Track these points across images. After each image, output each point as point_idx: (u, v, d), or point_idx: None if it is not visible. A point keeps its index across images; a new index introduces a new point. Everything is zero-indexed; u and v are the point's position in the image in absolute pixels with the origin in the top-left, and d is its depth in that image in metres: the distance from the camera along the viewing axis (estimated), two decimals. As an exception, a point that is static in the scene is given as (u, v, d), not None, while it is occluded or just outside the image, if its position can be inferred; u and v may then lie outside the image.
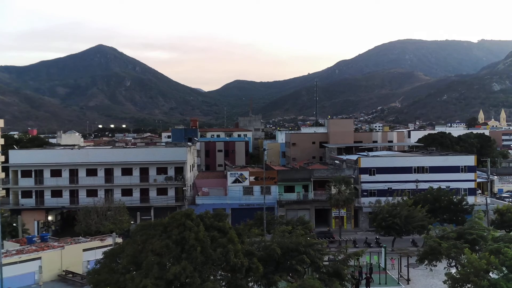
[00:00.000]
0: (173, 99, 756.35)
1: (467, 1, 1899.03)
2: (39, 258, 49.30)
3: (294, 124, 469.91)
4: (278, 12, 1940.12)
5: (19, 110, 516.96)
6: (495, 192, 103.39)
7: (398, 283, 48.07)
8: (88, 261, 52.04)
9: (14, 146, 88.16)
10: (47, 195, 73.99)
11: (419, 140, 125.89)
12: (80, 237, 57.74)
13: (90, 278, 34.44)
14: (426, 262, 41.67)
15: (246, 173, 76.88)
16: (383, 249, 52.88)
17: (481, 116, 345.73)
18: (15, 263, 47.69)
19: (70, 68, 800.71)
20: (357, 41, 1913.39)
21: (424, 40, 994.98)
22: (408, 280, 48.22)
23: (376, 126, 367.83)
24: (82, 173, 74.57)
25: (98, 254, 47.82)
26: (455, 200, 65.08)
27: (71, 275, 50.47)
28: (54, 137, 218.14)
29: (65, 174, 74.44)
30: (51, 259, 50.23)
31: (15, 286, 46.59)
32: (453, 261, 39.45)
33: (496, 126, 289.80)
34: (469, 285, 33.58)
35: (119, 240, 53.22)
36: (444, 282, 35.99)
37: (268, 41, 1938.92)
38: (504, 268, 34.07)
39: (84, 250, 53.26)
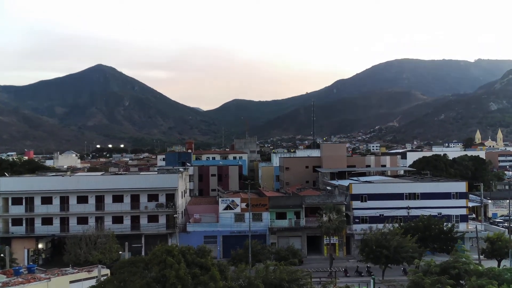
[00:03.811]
0: (171, 118, 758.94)
1: (463, 21, 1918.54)
2: (25, 291, 48.83)
3: (292, 143, 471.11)
4: (277, 31, 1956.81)
5: (17, 130, 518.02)
6: (490, 216, 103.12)
7: (386, 316, 47.66)
8: (75, 293, 51.60)
9: (5, 173, 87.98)
10: (38, 222, 73.52)
11: (414, 163, 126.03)
12: (68, 268, 57.25)
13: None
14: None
15: (237, 200, 76.65)
16: (372, 280, 52.47)
17: (478, 136, 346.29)
18: (1, 296, 47.29)
19: (69, 87, 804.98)
20: (355, 60, 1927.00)
21: (421, 59, 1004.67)
22: (396, 312, 47.84)
23: (373, 146, 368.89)
24: (72, 200, 74.24)
25: (85, 286, 47.54)
26: (445, 228, 64.79)
27: (57, 307, 49.95)
28: (51, 158, 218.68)
29: (56, 201, 74.10)
30: (37, 291, 49.75)
31: (0, 320, 46.17)
32: (438, 296, 39.17)
33: (493, 146, 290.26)
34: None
35: (107, 271, 52.93)
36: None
37: (266, 60, 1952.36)
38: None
39: (71, 282, 52.70)
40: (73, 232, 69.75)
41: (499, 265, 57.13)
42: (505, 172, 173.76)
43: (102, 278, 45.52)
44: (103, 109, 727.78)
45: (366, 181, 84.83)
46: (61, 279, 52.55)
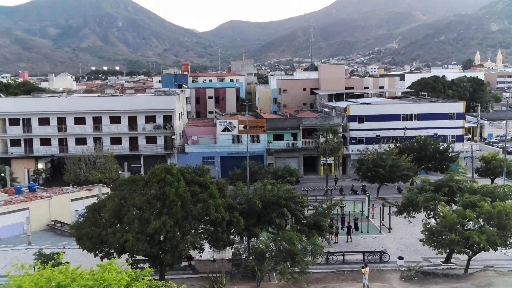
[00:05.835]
0: (166, 40, 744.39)
1: None
2: (27, 208, 49.99)
3: (290, 66, 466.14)
4: None
5: (10, 52, 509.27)
6: (485, 137, 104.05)
7: (380, 232, 49.19)
8: (77, 210, 52.78)
9: (1, 94, 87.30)
10: (36, 143, 73.89)
11: (412, 84, 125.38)
12: (69, 187, 58.28)
13: (73, 231, 35.02)
14: (405, 213, 42.36)
15: (235, 122, 76.66)
16: (366, 197, 53.76)
17: (477, 58, 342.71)
18: (3, 213, 48.37)
19: (61, 8, 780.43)
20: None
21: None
22: (389, 228, 49.31)
23: (372, 68, 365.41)
24: (70, 121, 74.11)
25: (86, 204, 48.55)
26: (440, 148, 65.46)
27: (59, 224, 51.40)
28: (46, 80, 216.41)
29: (53, 122, 73.99)
30: (39, 209, 50.95)
31: (4, 236, 47.58)
32: (431, 212, 40.21)
33: (492, 67, 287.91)
34: (443, 237, 34.46)
35: (107, 189, 53.88)
36: (422, 232, 36.86)
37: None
38: (480, 220, 34.78)
39: (72, 200, 53.89)
40: (71, 152, 70.28)
41: (492, 184, 58.27)
42: (503, 93, 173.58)
43: (102, 196, 46.36)
44: (97, 31, 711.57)
45: (363, 103, 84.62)
46: (62, 197, 53.73)
